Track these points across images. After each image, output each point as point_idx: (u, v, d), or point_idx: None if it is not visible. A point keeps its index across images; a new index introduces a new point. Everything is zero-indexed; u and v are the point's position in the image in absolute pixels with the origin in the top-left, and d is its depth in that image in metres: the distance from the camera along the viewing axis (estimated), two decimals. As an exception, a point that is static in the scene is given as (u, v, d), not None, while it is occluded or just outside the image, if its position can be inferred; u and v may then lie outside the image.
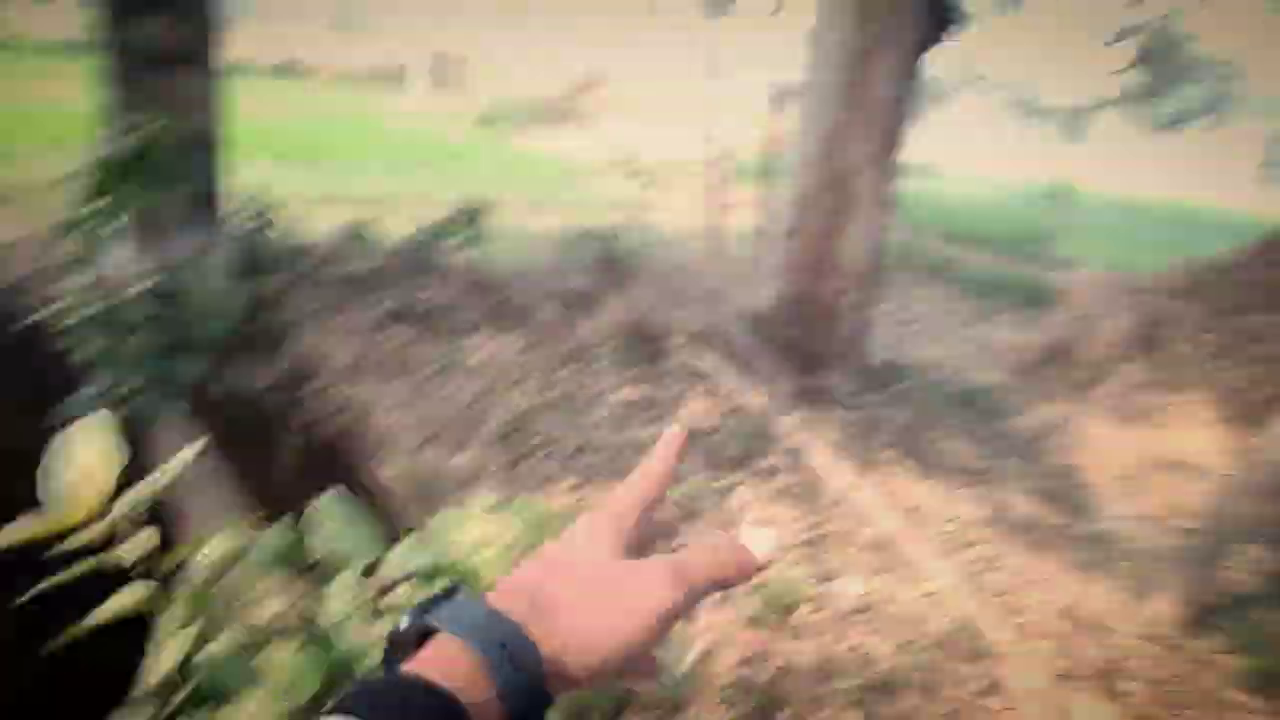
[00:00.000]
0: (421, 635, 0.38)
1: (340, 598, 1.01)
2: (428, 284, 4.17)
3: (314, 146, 10.92)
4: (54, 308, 2.82)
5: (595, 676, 0.38)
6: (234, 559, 0.99)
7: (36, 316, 2.89)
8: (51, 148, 6.59)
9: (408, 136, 13.99)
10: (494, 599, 0.39)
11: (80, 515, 0.79)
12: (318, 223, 4.90)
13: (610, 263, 4.92)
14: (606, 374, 3.58)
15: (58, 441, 0.82)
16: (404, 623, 0.39)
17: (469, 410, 3.19)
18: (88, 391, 2.75)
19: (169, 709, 0.83)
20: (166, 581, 0.88)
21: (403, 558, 1.05)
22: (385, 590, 1.02)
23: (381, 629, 0.99)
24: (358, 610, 1.01)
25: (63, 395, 2.65)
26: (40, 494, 0.79)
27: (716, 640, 2.21)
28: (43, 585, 0.78)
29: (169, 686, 0.84)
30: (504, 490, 2.56)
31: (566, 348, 3.73)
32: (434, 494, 2.66)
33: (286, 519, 1.07)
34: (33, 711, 2.24)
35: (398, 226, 5.13)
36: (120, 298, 2.81)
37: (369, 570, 1.02)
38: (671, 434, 0.50)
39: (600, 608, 0.39)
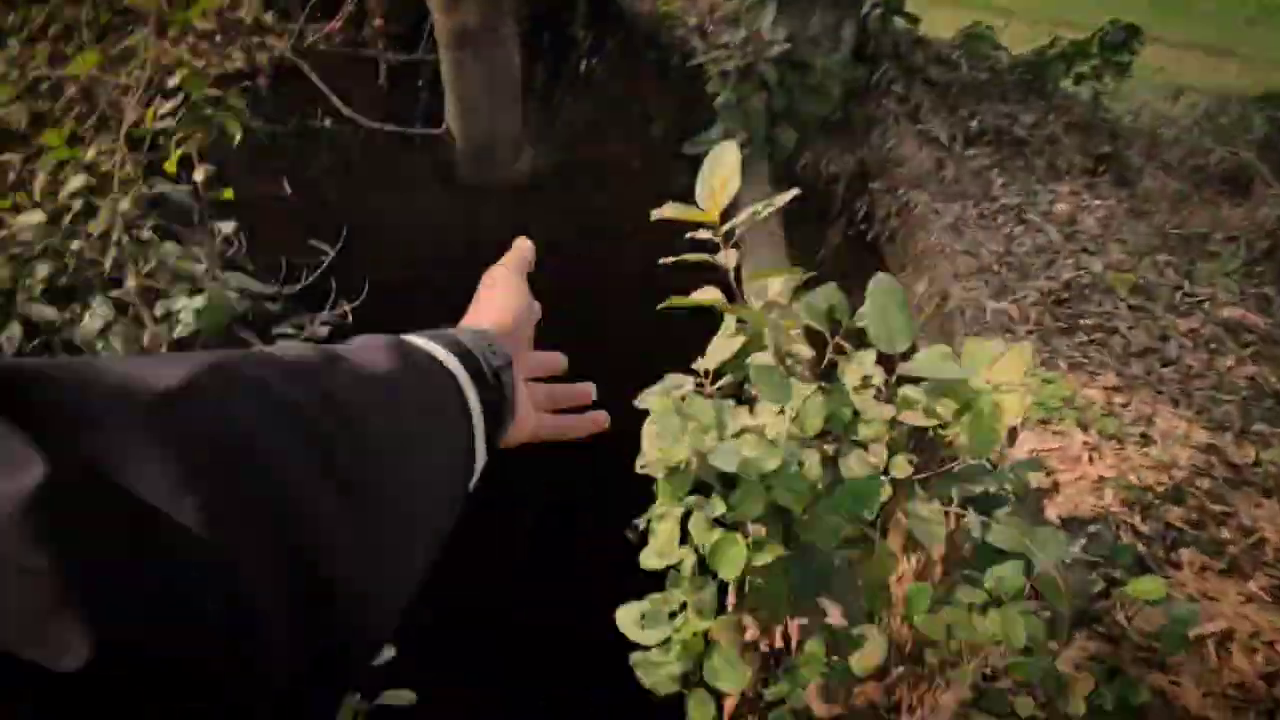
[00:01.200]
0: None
1: (857, 370, 1.34)
2: (1031, 110, 3.73)
3: None
4: (713, 54, 3.37)
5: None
6: (783, 301, 1.38)
7: (701, 58, 3.48)
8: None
9: None
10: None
11: (714, 214, 1.20)
12: (934, 22, 4.49)
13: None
14: (1220, 281, 2.77)
15: (713, 153, 1.20)
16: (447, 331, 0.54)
17: (1026, 258, 2.81)
18: (712, 133, 3.40)
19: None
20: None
21: (928, 361, 1.28)
22: (898, 381, 1.27)
23: (878, 412, 1.30)
24: (865, 387, 1.32)
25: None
26: (698, 190, 1.19)
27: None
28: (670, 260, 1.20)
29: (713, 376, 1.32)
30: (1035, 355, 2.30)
31: (1175, 232, 3.05)
32: (958, 329, 2.54)
33: (832, 284, 1.34)
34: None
35: (1019, 43, 4.58)
36: (759, 57, 3.26)
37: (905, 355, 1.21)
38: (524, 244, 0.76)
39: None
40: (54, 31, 1.93)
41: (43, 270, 1.47)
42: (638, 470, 1.61)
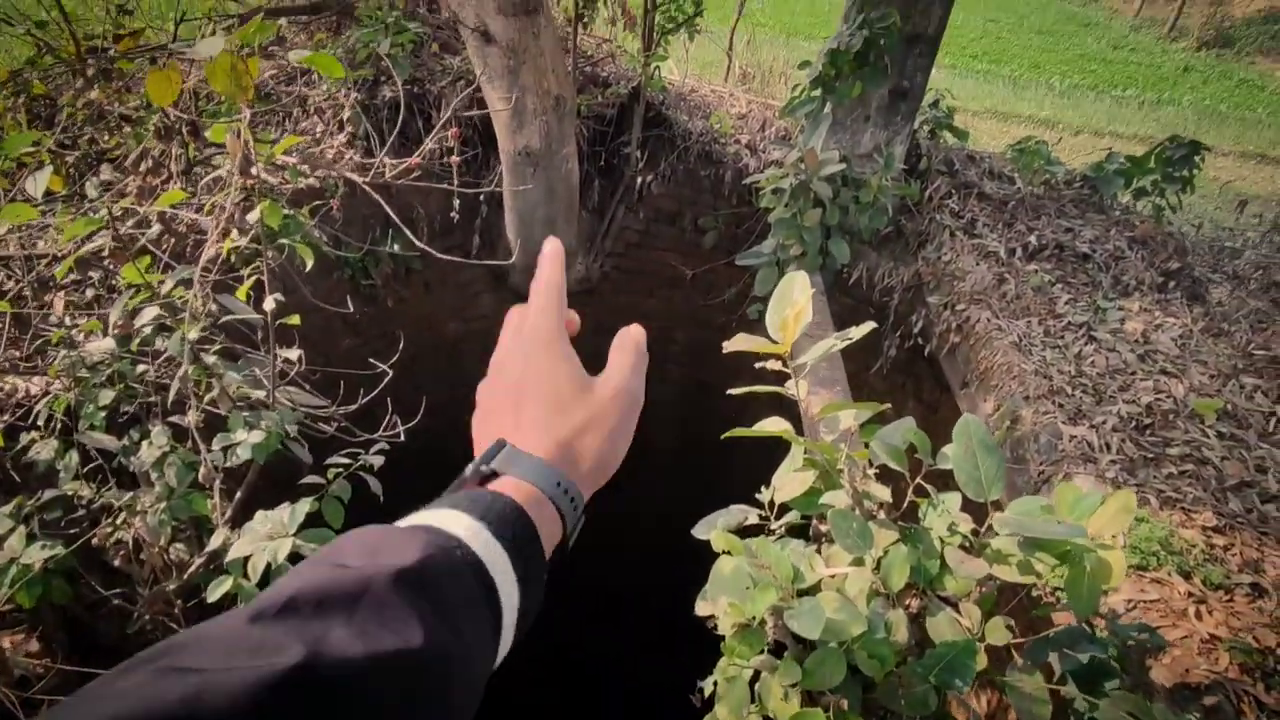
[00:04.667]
0: (484, 479, 0.51)
1: (944, 517, 1.26)
2: (1091, 225, 3.68)
3: (996, 55, 11.02)
4: (767, 173, 3.46)
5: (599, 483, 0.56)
6: (857, 432, 1.30)
7: (753, 178, 3.64)
8: (790, 35, 8.85)
9: (1108, 52, 12.88)
10: (526, 444, 0.53)
11: (786, 346, 1.16)
12: (979, 137, 4.75)
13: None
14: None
15: (783, 283, 1.19)
16: (471, 468, 0.51)
17: (1100, 380, 2.69)
18: (766, 245, 3.51)
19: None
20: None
21: (1025, 514, 1.20)
22: (986, 531, 1.18)
23: (970, 567, 1.22)
24: (951, 535, 1.23)
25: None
26: (769, 320, 1.15)
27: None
28: (742, 390, 1.16)
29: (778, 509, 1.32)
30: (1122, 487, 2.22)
31: (1260, 353, 2.93)
32: (1032, 455, 2.45)
33: (910, 420, 1.32)
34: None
35: (1066, 155, 4.70)
36: (814, 175, 3.28)
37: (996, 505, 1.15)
38: (553, 245, 0.62)
39: (607, 435, 0.55)
40: (144, 167, 2.06)
41: (106, 397, 1.47)
42: (699, 614, 1.49)
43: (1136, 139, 7.62)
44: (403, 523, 0.45)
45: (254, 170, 1.25)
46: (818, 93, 3.43)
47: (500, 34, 2.67)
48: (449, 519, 0.44)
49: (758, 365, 1.49)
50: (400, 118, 2.04)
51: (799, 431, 1.56)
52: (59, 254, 1.78)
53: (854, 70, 3.23)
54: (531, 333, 0.58)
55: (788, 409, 1.61)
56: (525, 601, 0.45)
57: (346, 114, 2.85)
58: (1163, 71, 12.41)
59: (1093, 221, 3.71)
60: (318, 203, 2.46)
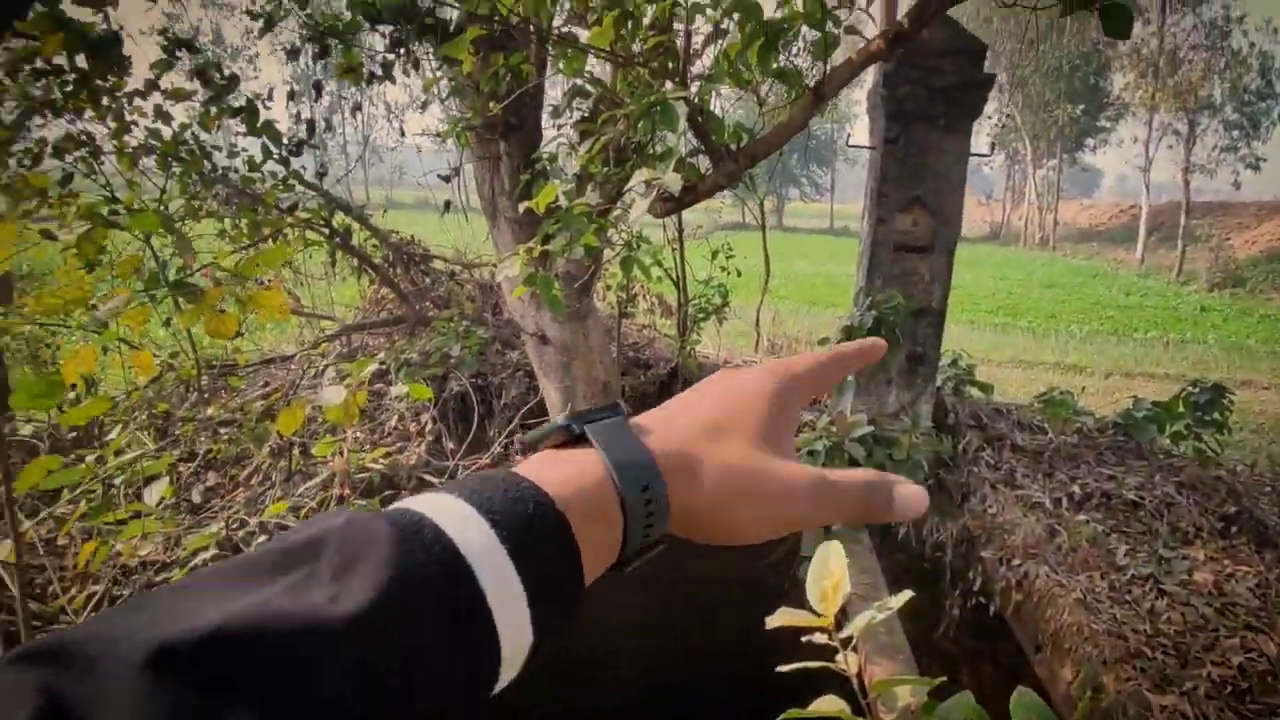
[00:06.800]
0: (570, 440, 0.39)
1: None
2: (1134, 472, 3.65)
3: (1011, 309, 11.77)
4: (800, 437, 3.47)
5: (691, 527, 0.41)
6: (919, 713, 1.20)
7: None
8: (811, 305, 10.71)
9: (1121, 298, 13.76)
10: (649, 435, 0.40)
11: (829, 618, 1.11)
12: (1006, 386, 4.94)
13: None
14: None
15: (818, 554, 1.13)
16: (561, 420, 0.39)
17: (1181, 639, 2.53)
18: None
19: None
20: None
21: None
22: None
23: None
24: None
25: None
26: (809, 592, 1.09)
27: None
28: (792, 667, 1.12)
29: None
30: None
31: None
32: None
33: (967, 694, 1.16)
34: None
35: (1099, 399, 4.89)
36: (845, 437, 3.47)
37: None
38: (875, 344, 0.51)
39: (740, 496, 0.40)
40: (255, 481, 2.36)
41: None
42: None
43: (1169, 378, 7.80)
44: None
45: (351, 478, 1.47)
46: (843, 363, 3.75)
47: (555, 337, 3.11)
48: (434, 505, 0.32)
49: (803, 639, 1.52)
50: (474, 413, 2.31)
51: (856, 709, 1.53)
52: (168, 561, 1.98)
53: (872, 345, 3.56)
54: (768, 364, 0.46)
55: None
56: (539, 625, 0.32)
57: (424, 419, 3.24)
58: (1180, 313, 12.98)
59: (1134, 468, 3.72)
60: (389, 491, 2.71)
